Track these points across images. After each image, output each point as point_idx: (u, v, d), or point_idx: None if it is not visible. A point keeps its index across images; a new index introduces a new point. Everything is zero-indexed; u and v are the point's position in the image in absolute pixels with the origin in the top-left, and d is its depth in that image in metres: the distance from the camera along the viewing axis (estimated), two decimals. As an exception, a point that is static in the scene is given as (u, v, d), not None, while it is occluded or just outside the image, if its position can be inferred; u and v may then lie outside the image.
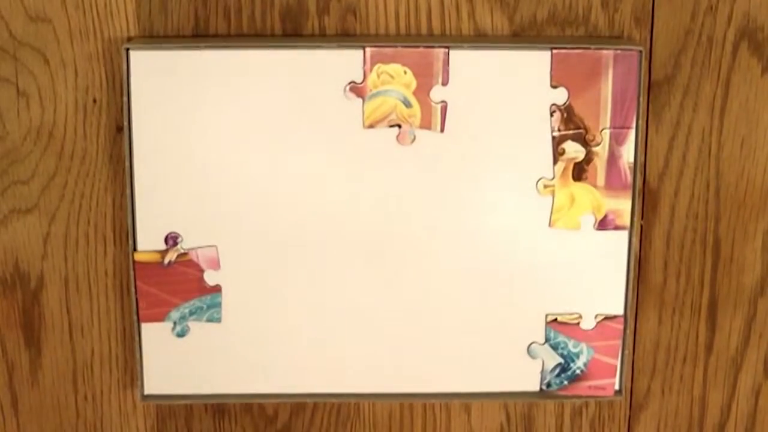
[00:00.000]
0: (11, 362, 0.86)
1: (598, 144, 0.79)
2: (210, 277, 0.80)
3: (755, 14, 0.82)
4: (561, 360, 0.82)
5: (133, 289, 0.80)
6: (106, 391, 0.87)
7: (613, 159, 0.79)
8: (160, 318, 0.81)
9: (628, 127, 0.79)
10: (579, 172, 0.79)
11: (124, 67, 0.77)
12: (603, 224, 0.80)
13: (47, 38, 0.80)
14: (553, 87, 0.78)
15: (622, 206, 0.80)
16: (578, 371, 0.83)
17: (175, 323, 0.81)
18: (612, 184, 0.80)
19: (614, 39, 0.81)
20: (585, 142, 0.79)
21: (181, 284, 0.80)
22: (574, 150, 0.79)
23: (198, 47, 0.77)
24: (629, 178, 0.80)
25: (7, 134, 0.82)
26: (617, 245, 0.81)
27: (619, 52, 0.78)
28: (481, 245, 0.81)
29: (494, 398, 0.84)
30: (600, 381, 0.83)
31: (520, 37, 0.81)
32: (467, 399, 0.84)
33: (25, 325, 0.85)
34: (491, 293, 0.81)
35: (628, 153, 0.79)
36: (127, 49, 0.77)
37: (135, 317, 0.81)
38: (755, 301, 0.87)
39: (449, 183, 0.79)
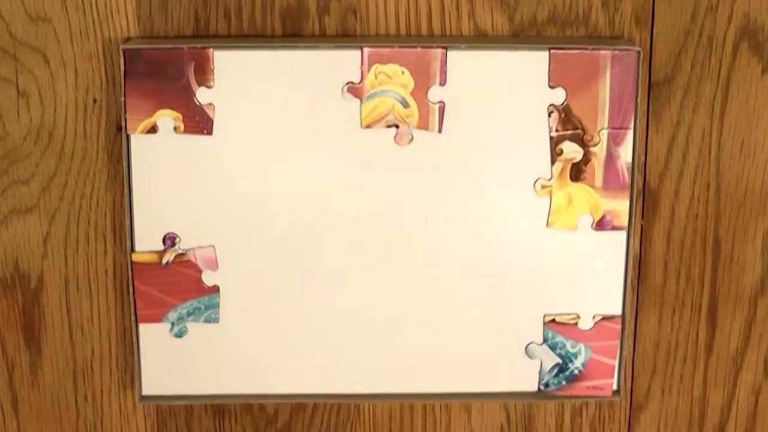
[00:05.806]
0: (11, 362, 0.86)
1: (595, 144, 0.79)
2: (208, 278, 0.81)
3: (755, 14, 0.81)
4: (559, 360, 0.82)
5: (131, 290, 0.80)
6: (106, 391, 0.87)
7: (610, 159, 0.79)
8: (158, 319, 0.81)
9: (626, 128, 0.79)
10: (577, 172, 0.79)
11: (123, 66, 0.77)
12: (601, 225, 0.80)
13: (47, 38, 0.80)
14: (551, 87, 0.78)
15: (620, 207, 0.80)
16: (576, 371, 0.83)
17: (173, 324, 0.81)
18: (610, 185, 0.79)
19: (614, 39, 0.81)
20: (583, 143, 0.79)
21: (179, 285, 0.80)
22: (571, 150, 0.79)
23: (197, 47, 0.77)
24: (627, 179, 0.79)
25: (7, 134, 0.82)
26: (615, 246, 0.81)
27: (617, 52, 0.78)
28: (479, 246, 0.81)
29: (492, 398, 0.84)
30: (598, 381, 0.83)
31: (520, 37, 0.81)
32: (465, 399, 0.84)
33: (25, 325, 0.85)
34: (489, 293, 0.81)
35: (625, 153, 0.79)
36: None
37: (133, 318, 0.81)
38: (755, 301, 0.87)
39: (447, 183, 0.79)
